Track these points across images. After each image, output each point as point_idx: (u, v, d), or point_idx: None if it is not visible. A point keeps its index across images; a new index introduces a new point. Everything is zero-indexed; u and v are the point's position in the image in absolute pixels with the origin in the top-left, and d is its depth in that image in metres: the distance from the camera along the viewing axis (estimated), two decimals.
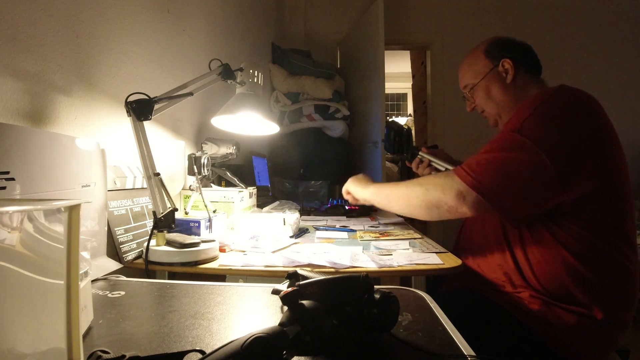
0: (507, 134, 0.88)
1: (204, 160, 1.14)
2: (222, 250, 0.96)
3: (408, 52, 4.28)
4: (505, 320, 0.88)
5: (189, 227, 0.97)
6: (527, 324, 0.86)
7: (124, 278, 0.75)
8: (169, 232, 0.87)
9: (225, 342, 0.37)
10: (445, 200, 0.87)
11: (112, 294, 0.65)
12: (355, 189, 1.18)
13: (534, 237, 0.89)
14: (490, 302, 0.93)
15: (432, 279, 1.17)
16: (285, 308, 0.43)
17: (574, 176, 0.83)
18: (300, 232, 1.24)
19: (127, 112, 0.81)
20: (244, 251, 0.97)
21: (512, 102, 1.04)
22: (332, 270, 0.82)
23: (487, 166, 0.85)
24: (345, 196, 1.25)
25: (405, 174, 4.31)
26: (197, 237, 0.92)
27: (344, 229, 1.34)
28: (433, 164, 1.23)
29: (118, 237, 0.85)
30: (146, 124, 0.83)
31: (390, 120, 1.30)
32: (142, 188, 1.00)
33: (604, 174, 0.86)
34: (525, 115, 0.87)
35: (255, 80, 1.07)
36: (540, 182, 0.83)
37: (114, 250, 0.83)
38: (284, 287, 0.57)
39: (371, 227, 1.39)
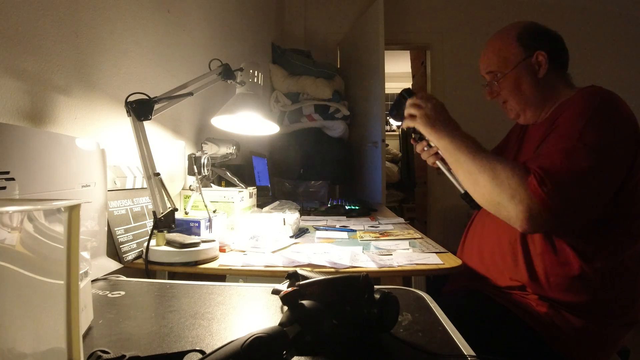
0: (568, 144, 0.81)
1: (204, 160, 1.14)
2: (222, 250, 0.96)
3: (408, 52, 4.29)
4: (508, 321, 0.88)
5: (189, 227, 0.97)
6: (532, 326, 0.86)
7: (124, 278, 0.75)
8: (169, 232, 0.87)
9: (225, 342, 0.37)
10: (508, 208, 0.81)
11: (112, 294, 0.65)
12: (425, 128, 0.98)
13: (554, 249, 0.87)
14: (495, 303, 0.92)
15: (432, 279, 1.17)
16: (285, 308, 0.43)
17: (629, 184, 0.83)
18: (300, 232, 1.24)
19: (127, 112, 0.81)
20: (244, 251, 0.97)
21: (541, 99, 0.98)
22: (332, 270, 0.82)
23: (559, 181, 0.78)
24: (408, 119, 1.02)
25: (406, 174, 4.32)
26: (197, 237, 0.92)
27: (344, 229, 1.34)
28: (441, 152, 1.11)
29: (118, 237, 0.85)
30: (146, 124, 0.83)
31: (406, 88, 1.13)
32: (142, 188, 1.00)
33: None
34: (581, 123, 0.82)
35: (255, 80, 1.07)
36: (604, 193, 0.81)
37: (114, 250, 0.83)
38: (284, 287, 0.57)
39: (371, 227, 1.39)
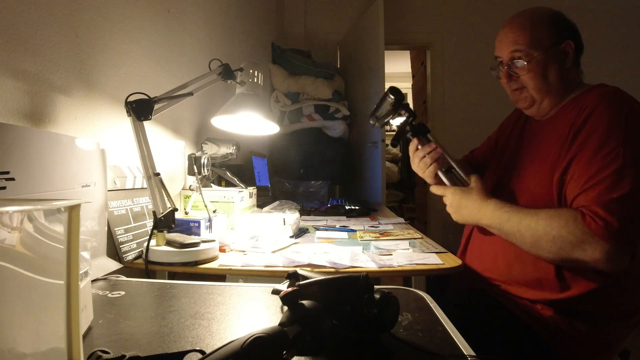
0: (614, 165, 0.76)
1: (204, 160, 1.14)
2: (222, 250, 0.96)
3: (408, 52, 4.29)
4: (511, 322, 0.87)
5: (189, 227, 0.97)
6: (535, 328, 0.84)
7: (124, 278, 0.75)
8: (169, 232, 0.87)
9: (225, 342, 0.37)
10: (587, 261, 0.76)
11: (112, 294, 0.65)
12: (460, 213, 0.96)
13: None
14: (498, 304, 0.91)
15: (432, 279, 1.16)
16: (285, 308, 0.43)
17: None
18: (300, 232, 1.24)
19: (127, 112, 0.81)
20: (244, 251, 0.97)
21: (562, 91, 0.93)
22: (332, 270, 0.82)
23: (620, 211, 0.73)
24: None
25: (406, 174, 4.31)
26: (197, 237, 0.92)
27: (344, 229, 1.34)
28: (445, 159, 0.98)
29: (118, 237, 0.85)
30: (146, 124, 0.83)
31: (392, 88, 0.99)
32: (142, 188, 0.99)
33: None
34: (619, 138, 0.78)
35: (255, 80, 1.07)
36: None
37: (114, 250, 0.83)
38: (284, 287, 0.57)
39: (371, 227, 1.39)
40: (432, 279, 1.16)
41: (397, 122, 0.98)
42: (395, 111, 0.96)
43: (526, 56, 0.90)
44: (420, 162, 1.00)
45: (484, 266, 0.99)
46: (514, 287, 0.91)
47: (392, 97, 0.95)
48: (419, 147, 0.99)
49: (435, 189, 0.99)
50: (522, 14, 0.94)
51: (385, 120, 0.99)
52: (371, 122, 0.98)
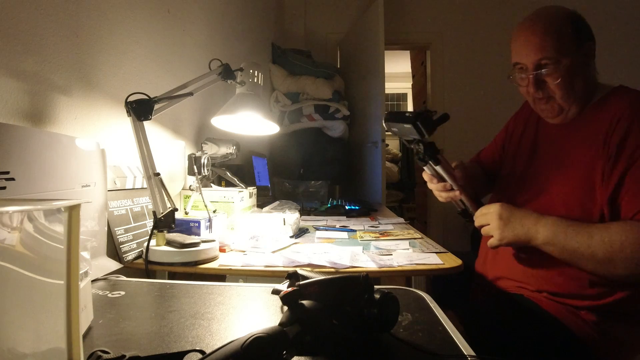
0: None
1: (204, 160, 1.14)
2: (222, 250, 0.96)
3: (408, 52, 4.29)
4: (546, 323, 0.83)
5: (189, 227, 0.97)
6: (578, 334, 0.81)
7: (124, 278, 0.75)
8: (169, 232, 0.87)
9: (225, 342, 0.37)
10: None
11: (112, 294, 0.65)
12: (507, 237, 0.86)
13: None
14: (532, 307, 0.87)
15: (432, 279, 1.16)
16: (285, 308, 0.43)
17: None
18: (300, 232, 1.24)
19: (127, 112, 0.81)
20: (244, 251, 0.97)
21: (587, 95, 0.89)
22: (332, 270, 0.82)
23: None
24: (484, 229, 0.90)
25: (406, 174, 4.32)
26: (197, 237, 0.92)
27: (344, 229, 1.34)
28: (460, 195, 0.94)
29: (118, 237, 0.85)
30: (146, 124, 0.83)
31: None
32: (142, 188, 0.99)
33: None
34: None
35: (255, 80, 1.07)
36: None
37: (114, 250, 0.83)
38: (284, 287, 0.57)
39: (371, 227, 1.39)
40: (431, 279, 1.16)
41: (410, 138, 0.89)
42: (414, 142, 0.88)
43: (555, 64, 0.84)
44: (435, 192, 1.00)
45: (513, 275, 0.95)
46: (549, 296, 0.88)
47: (417, 134, 0.82)
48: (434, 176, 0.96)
49: (477, 212, 0.92)
50: (542, 16, 0.86)
51: (400, 139, 0.92)
52: (384, 126, 0.89)
